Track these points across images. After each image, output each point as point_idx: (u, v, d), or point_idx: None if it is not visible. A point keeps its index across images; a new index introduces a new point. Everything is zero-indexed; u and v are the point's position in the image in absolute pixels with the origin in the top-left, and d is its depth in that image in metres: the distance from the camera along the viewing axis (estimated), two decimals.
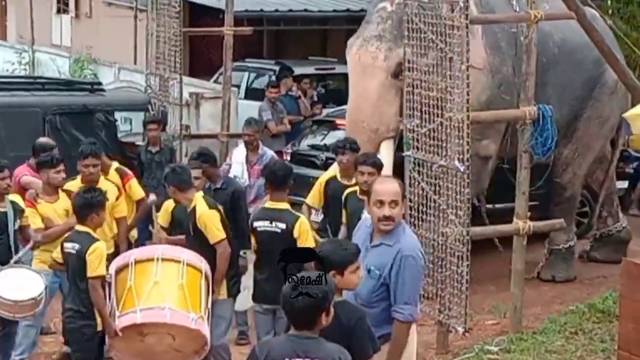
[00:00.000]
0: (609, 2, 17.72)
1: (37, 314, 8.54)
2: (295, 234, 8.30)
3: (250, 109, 15.75)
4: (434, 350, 9.72)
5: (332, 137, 13.17)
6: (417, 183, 9.78)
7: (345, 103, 12.25)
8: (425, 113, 9.68)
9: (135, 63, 19.78)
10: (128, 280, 7.58)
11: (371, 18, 11.48)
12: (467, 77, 9.24)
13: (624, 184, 14.96)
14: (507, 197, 10.71)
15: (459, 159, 9.27)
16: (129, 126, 14.75)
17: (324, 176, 10.09)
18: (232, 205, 9.39)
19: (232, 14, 14.13)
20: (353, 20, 16.00)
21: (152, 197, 11.24)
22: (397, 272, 6.38)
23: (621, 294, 8.51)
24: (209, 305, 7.79)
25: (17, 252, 8.82)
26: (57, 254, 8.13)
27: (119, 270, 7.71)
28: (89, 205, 7.96)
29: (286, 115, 15.68)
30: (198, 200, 8.59)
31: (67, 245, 7.94)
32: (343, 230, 9.17)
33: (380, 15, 11.33)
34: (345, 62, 12.00)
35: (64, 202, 9.32)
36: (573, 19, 10.62)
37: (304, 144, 14.62)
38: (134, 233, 10.40)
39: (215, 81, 18.10)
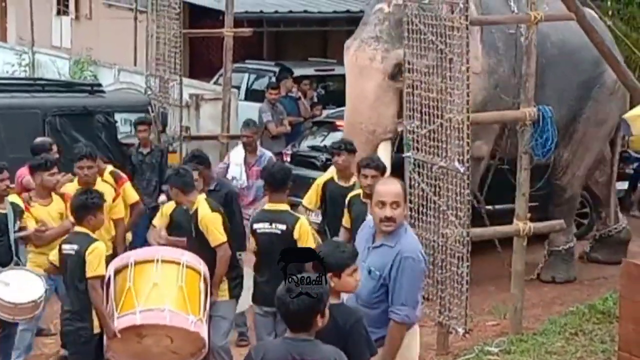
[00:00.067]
0: (609, 3, 17.72)
1: (37, 316, 8.54)
2: (296, 235, 8.28)
3: (250, 110, 15.76)
4: (434, 352, 9.72)
5: (332, 139, 13.12)
6: (417, 184, 9.78)
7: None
8: (425, 114, 9.68)
9: (135, 64, 19.79)
10: (127, 281, 7.58)
11: (368, 19, 11.47)
12: (467, 78, 9.24)
13: (624, 185, 14.97)
14: (507, 198, 10.71)
15: (459, 160, 9.26)
16: (129, 128, 14.73)
17: (321, 178, 10.09)
18: (226, 207, 9.37)
19: (232, 16, 14.13)
20: (353, 22, 15.97)
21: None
22: (396, 272, 6.37)
23: (621, 295, 8.52)
24: (208, 308, 7.78)
25: (17, 253, 8.82)
26: (53, 257, 8.10)
27: (117, 271, 7.70)
28: (85, 206, 7.95)
29: (286, 116, 15.70)
30: (200, 203, 8.59)
31: (66, 247, 7.92)
32: (342, 232, 9.17)
33: (377, 16, 11.32)
34: None
35: (57, 205, 9.32)
36: (573, 20, 10.62)
37: (304, 145, 14.63)
38: (128, 236, 10.38)
39: (215, 82, 18.11)
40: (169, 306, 7.49)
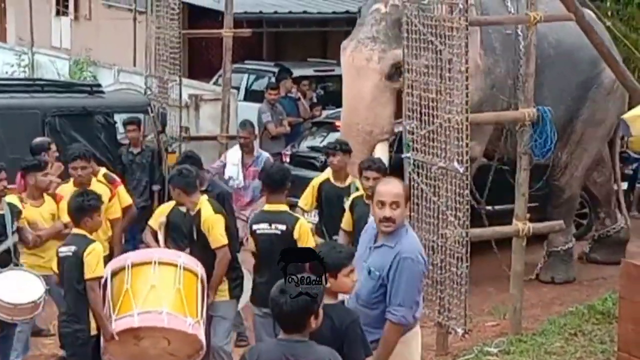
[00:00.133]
0: (608, 3, 17.71)
1: (37, 317, 8.53)
2: (296, 235, 8.26)
3: (250, 110, 15.76)
4: (434, 352, 9.72)
5: (332, 139, 13.10)
6: (416, 185, 9.78)
7: None
8: (425, 115, 9.67)
9: (134, 65, 19.79)
10: (125, 283, 7.56)
11: (365, 20, 11.46)
12: (467, 78, 9.24)
13: (623, 186, 14.94)
14: (507, 199, 10.70)
15: (458, 160, 9.26)
16: None
17: (317, 179, 10.09)
18: None
19: (232, 16, 14.13)
20: (352, 22, 15.93)
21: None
22: (395, 273, 6.37)
23: (620, 295, 8.51)
24: (205, 310, 7.77)
25: (15, 254, 8.81)
26: (54, 265, 8.07)
27: (115, 273, 7.68)
28: (82, 208, 7.91)
29: (285, 117, 15.69)
30: (203, 204, 8.56)
31: (63, 249, 7.90)
32: (342, 235, 9.16)
33: (374, 17, 11.30)
34: None
35: (49, 206, 9.32)
36: (572, 20, 10.61)
37: (303, 146, 14.62)
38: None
39: (214, 83, 18.10)
40: (167, 308, 7.48)
